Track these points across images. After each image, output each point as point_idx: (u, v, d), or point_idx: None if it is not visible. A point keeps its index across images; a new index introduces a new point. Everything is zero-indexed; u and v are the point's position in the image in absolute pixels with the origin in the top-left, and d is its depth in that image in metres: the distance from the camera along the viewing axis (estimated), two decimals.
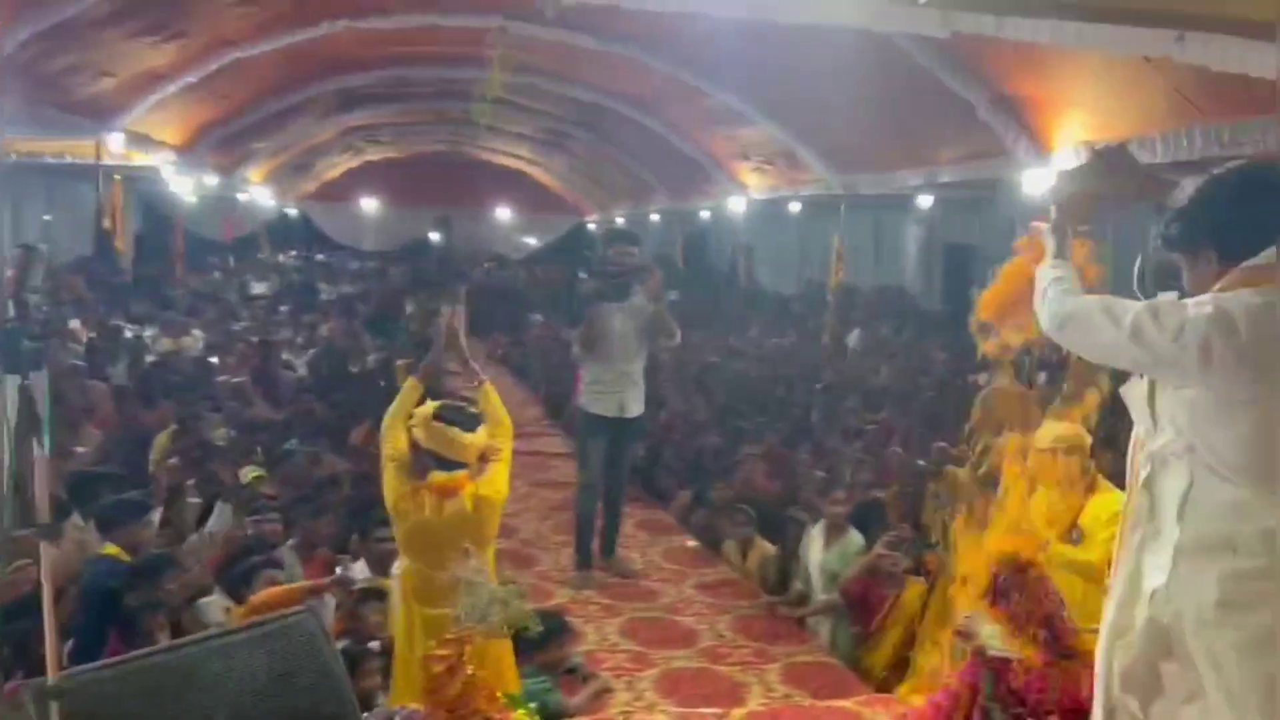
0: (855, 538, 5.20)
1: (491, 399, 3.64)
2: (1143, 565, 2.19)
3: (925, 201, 13.97)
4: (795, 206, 15.94)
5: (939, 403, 10.24)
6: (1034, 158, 8.97)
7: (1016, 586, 2.88)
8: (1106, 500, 3.91)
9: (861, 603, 5.00)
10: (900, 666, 4.82)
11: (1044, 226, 2.53)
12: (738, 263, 20.37)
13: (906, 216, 16.67)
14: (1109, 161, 2.71)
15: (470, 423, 3.53)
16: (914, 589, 4.89)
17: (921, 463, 7.62)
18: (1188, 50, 5.21)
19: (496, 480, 3.48)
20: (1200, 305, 2.08)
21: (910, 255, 17.41)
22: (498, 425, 3.55)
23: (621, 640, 4.77)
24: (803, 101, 11.05)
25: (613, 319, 5.35)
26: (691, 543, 6.41)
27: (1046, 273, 2.43)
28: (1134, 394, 2.29)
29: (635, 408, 5.48)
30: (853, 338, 14.33)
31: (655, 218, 21.21)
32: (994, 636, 2.73)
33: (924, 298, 17.03)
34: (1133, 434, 2.36)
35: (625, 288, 5.31)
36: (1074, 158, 8.56)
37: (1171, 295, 2.34)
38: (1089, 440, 4.00)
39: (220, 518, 5.11)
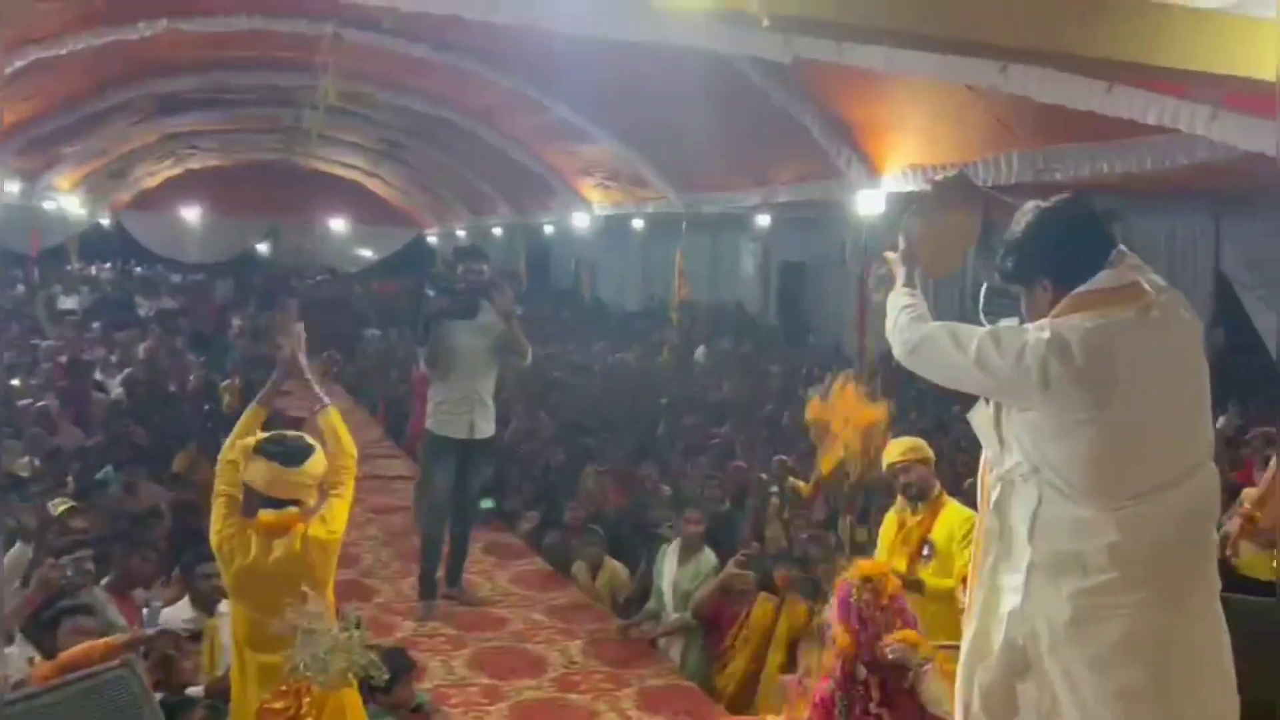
0: (709, 556, 5.20)
1: (335, 426, 3.37)
2: (998, 587, 2.22)
3: (763, 220, 14.31)
4: (638, 223, 16.06)
5: (777, 417, 10.49)
6: (865, 179, 9.32)
7: (870, 606, 2.90)
8: (959, 516, 4.02)
9: (714, 621, 5.00)
10: (751, 685, 4.85)
11: (893, 256, 2.56)
12: (581, 278, 20.37)
13: (744, 234, 17.05)
14: (949, 193, 2.78)
15: (299, 454, 3.15)
16: (764, 606, 4.91)
17: (764, 476, 7.76)
18: (1011, 81, 5.50)
19: (332, 518, 3.13)
20: (1039, 330, 2.15)
21: (748, 272, 17.81)
22: (340, 456, 3.28)
23: (470, 673, 4.60)
24: (646, 119, 11.15)
25: (461, 337, 5.19)
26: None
27: (897, 301, 2.46)
28: (980, 418, 2.34)
29: (485, 428, 5.32)
30: (700, 353, 14.51)
31: (497, 231, 20.97)
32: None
33: (760, 314, 17.46)
34: (981, 457, 2.41)
35: (475, 305, 5.16)
36: (902, 181, 8.95)
37: (1013, 320, 2.40)
38: (932, 454, 4.11)
39: (17, 559, 4.63)
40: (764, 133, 9.81)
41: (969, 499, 3.24)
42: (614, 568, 5.92)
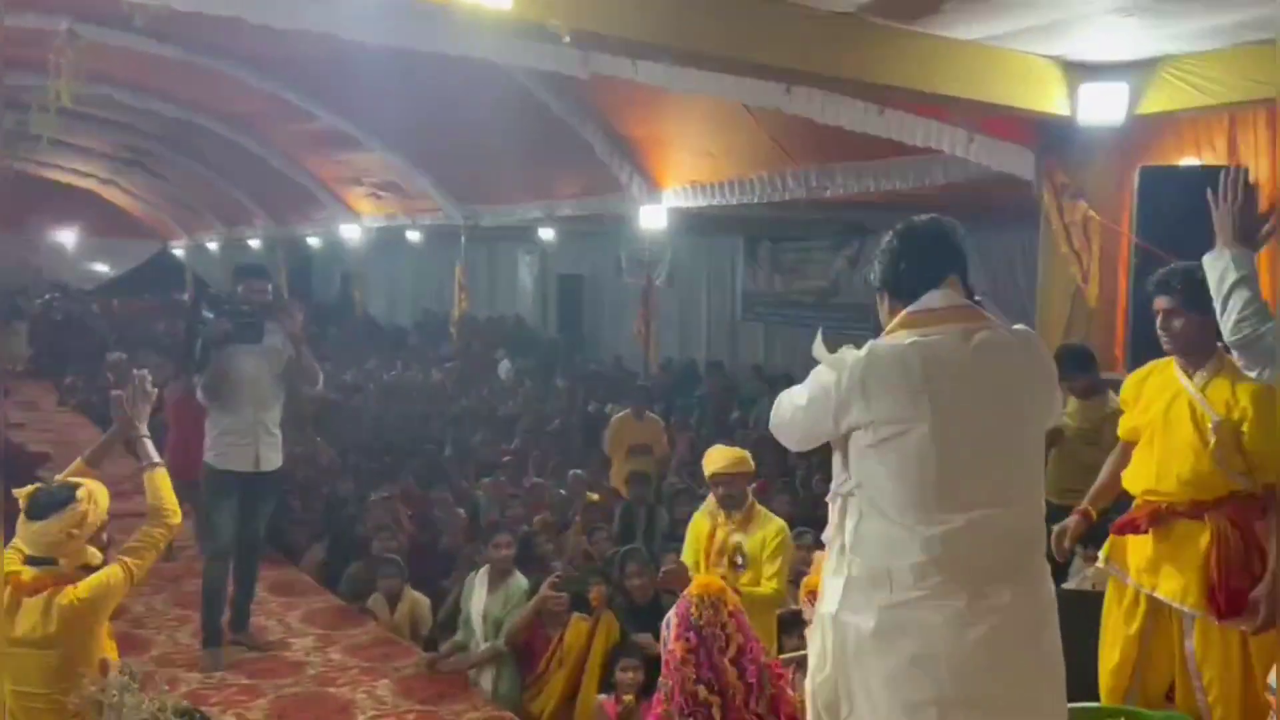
0: (519, 580, 5.07)
1: (159, 489, 3.01)
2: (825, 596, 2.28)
3: (544, 233, 14.31)
4: (413, 235, 15.62)
5: (565, 431, 10.47)
6: (646, 194, 9.49)
7: (710, 624, 2.90)
8: (772, 526, 4.11)
9: (527, 647, 4.88)
10: (567, 708, 4.77)
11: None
12: (349, 293, 19.58)
13: (522, 247, 16.99)
14: None
15: (45, 507, 2.85)
16: (578, 627, 4.85)
17: (563, 491, 7.71)
18: (795, 102, 5.73)
19: (89, 583, 2.83)
20: (860, 350, 2.21)
21: (526, 285, 17.76)
22: (154, 520, 2.94)
23: None
24: (422, 129, 10.84)
25: (245, 363, 4.80)
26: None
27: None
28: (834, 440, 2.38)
29: (272, 459, 4.95)
30: (503, 368, 14.26)
31: (255, 244, 19.79)
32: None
33: (540, 327, 17.43)
34: None
35: (259, 328, 4.78)
36: (682, 197, 9.17)
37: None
38: (752, 466, 4.19)
39: None
40: (547, 146, 9.77)
41: None
42: (414, 598, 5.67)
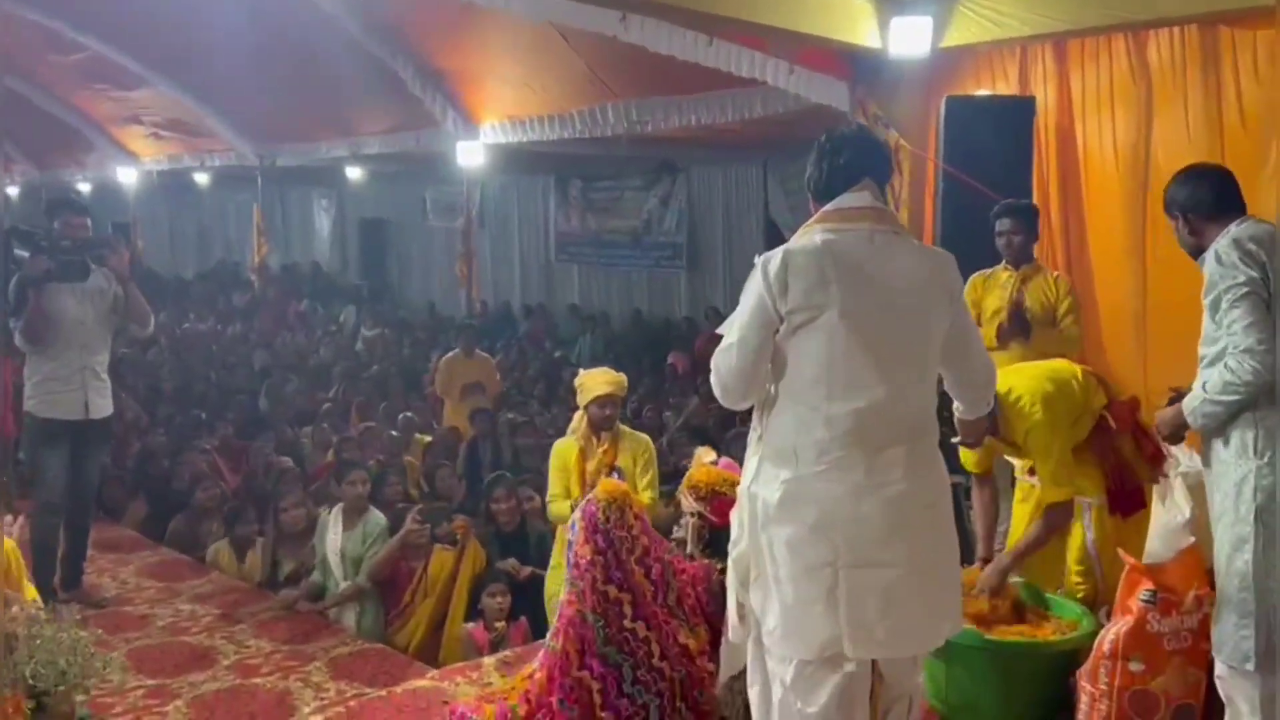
0: (376, 517, 5.01)
1: None
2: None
3: (347, 174, 13.76)
4: (202, 178, 14.65)
5: (384, 376, 10.25)
6: (463, 130, 9.32)
7: (617, 526, 3.01)
8: (640, 442, 4.31)
9: (391, 580, 4.85)
10: (434, 637, 4.79)
11: None
12: (132, 240, 18.14)
13: (318, 190, 16.29)
14: None
15: None
16: (441, 557, 4.87)
17: (395, 433, 7.60)
18: (629, 32, 5.80)
19: None
20: (773, 254, 2.39)
21: (324, 231, 17.06)
22: None
23: (128, 677, 4.04)
24: (209, 60, 10.08)
25: (68, 304, 4.45)
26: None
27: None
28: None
29: (103, 406, 4.64)
30: (347, 313, 13.64)
31: (13, 191, 17.95)
32: None
33: (340, 274, 16.84)
34: None
35: (83, 265, 4.44)
36: (500, 132, 9.07)
37: None
38: (624, 392, 4.34)
39: None
40: (352, 78, 9.38)
41: None
42: (261, 545, 5.49)
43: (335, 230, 16.79)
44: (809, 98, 6.56)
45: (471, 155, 9.41)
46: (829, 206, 2.43)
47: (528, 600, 4.73)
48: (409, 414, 8.05)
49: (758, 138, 9.63)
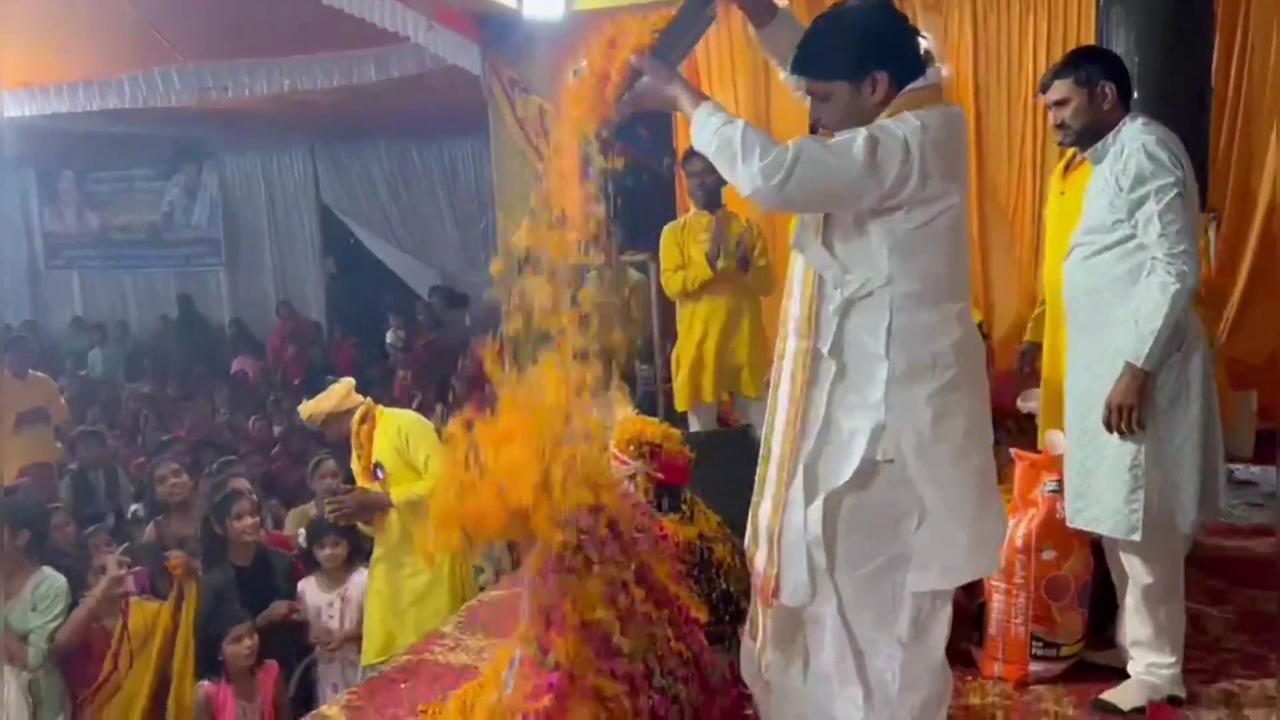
0: (51, 578, 3.79)
1: None
2: (833, 419, 2.09)
3: None
4: None
5: None
6: None
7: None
8: (391, 425, 3.82)
9: (83, 652, 3.73)
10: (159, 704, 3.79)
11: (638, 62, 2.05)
12: None
13: None
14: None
15: None
16: (141, 609, 3.84)
17: None
18: None
19: None
20: (902, 123, 1.99)
21: None
22: None
23: None
24: None
25: None
26: None
27: (716, 124, 1.99)
28: (814, 246, 2.11)
29: None
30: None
31: None
32: None
33: None
34: (788, 291, 2.19)
35: None
36: (21, 103, 7.38)
37: None
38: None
39: None
40: None
41: None
42: None
43: None
44: (446, 59, 6.27)
45: None
46: (919, 85, 2.05)
47: (278, 639, 3.92)
48: None
49: (302, 118, 8.88)
